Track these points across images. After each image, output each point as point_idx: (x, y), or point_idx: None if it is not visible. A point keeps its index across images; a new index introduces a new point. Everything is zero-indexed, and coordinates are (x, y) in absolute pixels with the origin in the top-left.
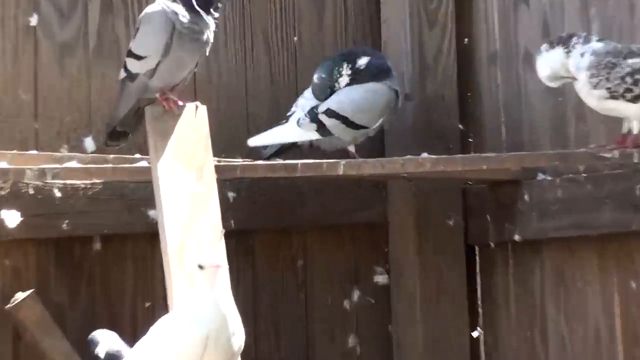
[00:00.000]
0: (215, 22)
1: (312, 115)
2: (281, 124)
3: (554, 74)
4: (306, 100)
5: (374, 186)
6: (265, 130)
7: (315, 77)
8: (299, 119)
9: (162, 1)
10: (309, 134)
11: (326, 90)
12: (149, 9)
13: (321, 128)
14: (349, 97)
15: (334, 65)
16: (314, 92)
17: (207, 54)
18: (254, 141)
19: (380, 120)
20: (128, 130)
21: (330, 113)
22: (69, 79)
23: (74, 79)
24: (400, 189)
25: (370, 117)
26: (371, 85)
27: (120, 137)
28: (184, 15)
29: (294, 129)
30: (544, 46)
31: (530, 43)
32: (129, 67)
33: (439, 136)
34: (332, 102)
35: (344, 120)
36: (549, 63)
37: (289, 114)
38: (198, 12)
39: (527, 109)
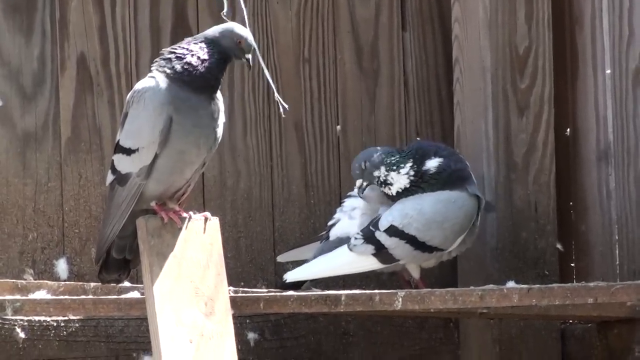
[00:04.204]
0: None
1: (368, 233)
2: (321, 241)
3: None
4: (354, 200)
5: (442, 326)
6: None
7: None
8: (349, 241)
9: (156, 75)
10: (364, 262)
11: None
12: (139, 85)
13: (380, 252)
14: (416, 208)
15: (389, 156)
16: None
17: (217, 145)
18: (290, 275)
19: (459, 240)
20: (129, 257)
21: (392, 231)
22: (33, 180)
23: (40, 181)
24: (478, 330)
25: (445, 235)
26: (445, 195)
27: (120, 268)
28: (185, 96)
29: (343, 256)
30: None
31: None
32: (118, 165)
33: (531, 259)
34: (394, 216)
35: (411, 240)
36: None
37: (331, 222)
38: (200, 91)
39: None
